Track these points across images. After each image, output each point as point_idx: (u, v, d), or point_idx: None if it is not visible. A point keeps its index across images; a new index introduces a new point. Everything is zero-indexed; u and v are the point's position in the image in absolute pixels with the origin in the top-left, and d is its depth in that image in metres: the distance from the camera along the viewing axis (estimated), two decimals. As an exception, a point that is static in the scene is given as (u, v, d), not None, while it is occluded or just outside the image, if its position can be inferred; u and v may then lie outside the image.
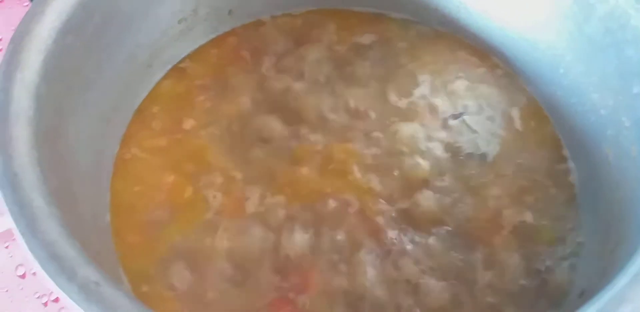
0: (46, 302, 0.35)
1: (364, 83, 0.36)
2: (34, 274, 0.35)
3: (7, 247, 0.36)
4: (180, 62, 0.36)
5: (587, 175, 0.33)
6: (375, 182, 0.33)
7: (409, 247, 0.31)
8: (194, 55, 0.36)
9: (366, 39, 0.37)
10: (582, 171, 0.33)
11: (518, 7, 0.34)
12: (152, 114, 0.34)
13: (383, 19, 0.37)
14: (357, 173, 0.33)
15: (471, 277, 0.31)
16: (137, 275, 0.30)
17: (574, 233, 0.32)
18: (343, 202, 0.32)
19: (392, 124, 0.34)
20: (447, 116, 0.35)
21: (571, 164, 0.34)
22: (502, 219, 0.32)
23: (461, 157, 0.34)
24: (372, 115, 0.35)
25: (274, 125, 0.34)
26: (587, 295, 0.28)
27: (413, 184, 0.33)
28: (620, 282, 0.23)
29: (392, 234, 0.31)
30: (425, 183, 0.33)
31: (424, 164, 0.33)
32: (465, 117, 0.35)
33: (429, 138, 0.34)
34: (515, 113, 0.35)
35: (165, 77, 0.35)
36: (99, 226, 0.30)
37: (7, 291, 0.35)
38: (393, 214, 0.32)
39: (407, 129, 0.34)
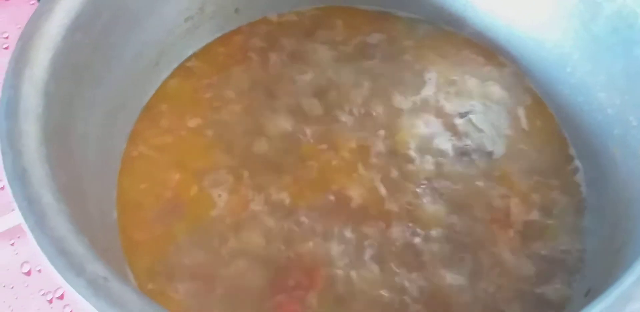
0: (51, 299, 0.35)
1: (370, 82, 0.36)
2: (39, 271, 0.35)
3: (12, 244, 0.36)
4: (186, 60, 0.36)
5: (593, 174, 0.33)
6: (380, 180, 0.33)
7: (414, 245, 0.31)
8: (201, 54, 0.36)
9: (372, 37, 0.37)
10: (588, 170, 0.33)
11: (524, 6, 0.34)
12: (159, 111, 0.34)
13: (389, 18, 0.37)
14: (362, 171, 0.33)
15: (476, 276, 0.31)
16: (143, 272, 0.30)
17: (580, 232, 0.32)
18: (349, 200, 0.32)
19: (398, 122, 0.34)
20: (453, 115, 0.35)
21: (578, 164, 0.34)
22: (508, 218, 0.32)
23: (467, 156, 0.34)
24: (378, 114, 0.35)
25: (280, 124, 0.34)
26: (593, 294, 0.28)
27: (419, 183, 0.33)
28: (628, 280, 0.23)
29: (397, 232, 0.31)
30: (430, 182, 0.33)
31: (429, 162, 0.33)
32: (471, 116, 0.35)
33: (435, 137, 0.34)
34: (521, 112, 0.35)
35: (172, 76, 0.35)
36: (106, 223, 0.30)
37: (12, 287, 0.35)
38: (398, 213, 0.32)
39: (413, 128, 0.34)
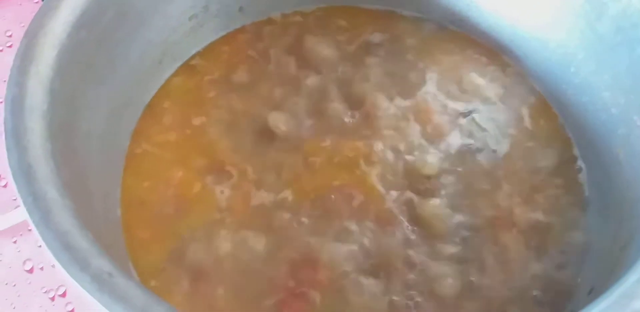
0: (53, 296, 0.35)
1: (373, 81, 0.36)
2: (42, 268, 0.36)
3: (14, 242, 0.36)
4: (190, 58, 0.36)
5: (597, 174, 0.33)
6: (383, 178, 0.33)
7: (417, 242, 0.31)
8: (205, 52, 0.36)
9: (376, 36, 0.37)
10: (592, 169, 0.33)
11: (529, 6, 0.34)
12: (163, 109, 0.34)
13: (393, 17, 0.38)
14: (365, 169, 0.33)
15: (479, 274, 0.31)
16: (146, 270, 0.30)
17: (583, 231, 0.32)
18: (351, 197, 0.32)
19: (401, 121, 0.34)
20: (456, 114, 0.35)
21: (581, 163, 0.34)
22: (512, 217, 0.32)
23: (470, 155, 0.34)
24: (381, 112, 0.35)
25: (283, 122, 0.34)
26: (596, 292, 0.28)
27: (422, 182, 0.33)
28: (631, 278, 0.23)
29: (400, 230, 0.31)
30: (434, 180, 0.33)
31: (433, 161, 0.33)
32: (474, 115, 0.35)
33: (438, 136, 0.34)
34: (525, 112, 0.35)
35: (175, 74, 0.35)
36: (109, 220, 0.30)
37: (14, 285, 0.35)
38: (401, 211, 0.32)
39: (416, 127, 0.34)
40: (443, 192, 0.33)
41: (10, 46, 0.42)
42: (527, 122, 0.35)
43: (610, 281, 0.24)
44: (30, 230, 0.36)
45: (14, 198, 0.37)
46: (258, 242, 0.31)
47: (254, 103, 0.35)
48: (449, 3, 0.36)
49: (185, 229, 0.31)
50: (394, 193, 0.32)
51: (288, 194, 0.32)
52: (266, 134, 0.34)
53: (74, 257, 0.22)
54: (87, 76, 0.28)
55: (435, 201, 0.32)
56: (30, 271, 0.35)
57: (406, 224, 0.32)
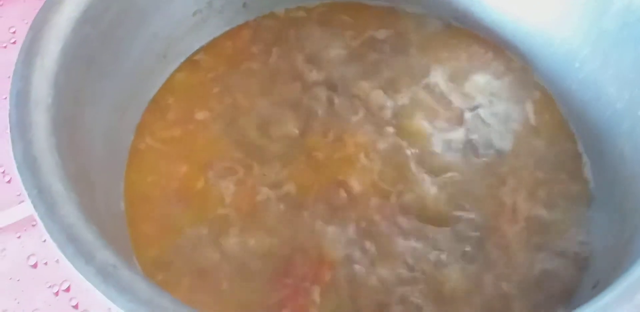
0: (57, 291, 0.35)
1: (377, 77, 0.36)
2: (46, 264, 0.36)
3: (18, 237, 0.36)
4: (194, 54, 0.36)
5: (601, 169, 0.33)
6: (386, 173, 0.33)
7: (420, 238, 0.31)
8: (208, 48, 0.36)
9: (380, 33, 0.37)
10: (596, 164, 0.33)
11: (533, 1, 0.34)
12: (167, 104, 0.34)
13: (396, 13, 0.37)
14: (368, 164, 0.33)
15: (483, 269, 0.31)
16: (149, 264, 0.30)
17: (588, 226, 0.32)
18: (355, 192, 0.32)
19: (406, 117, 0.34)
20: (461, 110, 0.35)
21: (585, 158, 0.34)
22: (516, 213, 0.32)
23: (475, 151, 0.34)
24: (386, 108, 0.35)
25: (287, 117, 0.34)
26: (600, 287, 0.28)
27: (425, 176, 0.33)
28: (636, 272, 0.23)
29: (404, 225, 0.31)
30: (437, 175, 0.33)
31: (436, 156, 0.33)
32: (479, 111, 0.35)
33: (443, 131, 0.34)
34: (529, 107, 0.35)
35: (179, 69, 0.35)
36: (113, 214, 0.30)
37: (18, 280, 0.35)
38: (404, 206, 0.32)
39: (421, 123, 0.34)
40: (447, 187, 0.32)
41: (14, 43, 0.42)
42: (532, 117, 0.35)
43: (615, 275, 0.24)
44: (34, 225, 0.36)
45: (18, 194, 0.37)
46: (262, 237, 0.31)
47: (257, 99, 0.35)
48: (452, -1, 0.37)
49: (189, 224, 0.31)
50: (397, 188, 0.32)
51: (292, 190, 0.32)
52: (269, 130, 0.34)
53: (79, 249, 0.22)
54: (91, 70, 0.28)
55: (438, 196, 0.32)
56: (35, 266, 0.35)
57: (410, 219, 0.32)
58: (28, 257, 0.36)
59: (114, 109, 0.31)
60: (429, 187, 0.33)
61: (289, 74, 0.36)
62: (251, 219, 0.32)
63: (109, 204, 0.30)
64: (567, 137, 0.34)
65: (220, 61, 0.36)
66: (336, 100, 0.35)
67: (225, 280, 0.30)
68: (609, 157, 0.32)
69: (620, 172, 0.31)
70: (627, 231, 0.29)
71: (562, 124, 0.35)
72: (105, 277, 0.21)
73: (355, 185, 0.32)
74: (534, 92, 0.36)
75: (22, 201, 0.37)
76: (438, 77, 0.36)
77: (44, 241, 0.36)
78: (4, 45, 0.42)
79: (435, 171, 0.33)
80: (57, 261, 0.35)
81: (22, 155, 0.23)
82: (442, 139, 0.34)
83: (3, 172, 0.38)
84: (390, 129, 0.34)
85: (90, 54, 0.28)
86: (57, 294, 0.35)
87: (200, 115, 0.34)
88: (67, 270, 0.34)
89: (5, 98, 0.38)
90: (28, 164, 0.23)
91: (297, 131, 0.34)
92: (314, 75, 0.36)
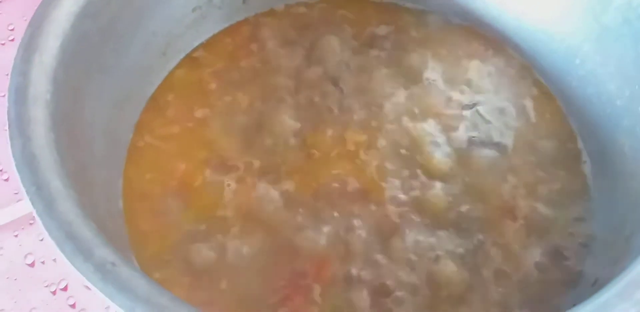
0: (55, 290, 0.35)
1: (377, 73, 0.35)
2: (43, 262, 0.35)
3: (16, 236, 0.36)
4: (193, 50, 0.36)
5: (601, 165, 0.33)
6: (386, 170, 0.33)
7: (420, 235, 0.31)
8: (208, 44, 0.36)
9: (381, 29, 0.37)
10: (596, 161, 0.33)
11: (534, -2, 0.34)
12: (166, 102, 0.34)
13: (397, 9, 0.37)
14: (367, 161, 0.33)
15: (482, 266, 0.31)
16: (148, 262, 0.30)
17: (588, 223, 0.32)
18: (354, 189, 0.32)
19: (406, 114, 0.34)
20: (460, 106, 0.35)
21: (585, 155, 0.34)
22: (516, 209, 0.32)
23: (474, 147, 0.34)
24: (386, 105, 0.35)
25: (287, 114, 0.34)
26: (600, 283, 0.27)
27: (425, 173, 0.33)
28: (636, 269, 0.23)
29: (404, 222, 0.31)
30: (437, 172, 0.33)
31: (436, 153, 0.33)
32: (479, 107, 0.35)
33: (442, 128, 0.34)
34: (529, 104, 0.35)
35: (178, 66, 0.35)
36: (112, 212, 0.30)
37: (15, 279, 0.35)
38: (405, 202, 0.32)
39: (420, 119, 0.34)
40: (446, 183, 0.32)
41: (12, 40, 0.42)
42: (532, 114, 0.35)
43: (615, 271, 0.24)
44: (31, 224, 0.36)
45: (16, 192, 0.37)
46: (261, 235, 0.31)
47: (257, 95, 0.35)
48: (453, -5, 0.36)
49: (187, 221, 0.31)
50: (397, 184, 0.32)
51: (291, 187, 0.32)
52: (269, 126, 0.34)
53: (78, 247, 0.21)
54: (90, 67, 0.28)
55: (438, 193, 0.32)
56: (32, 264, 0.35)
57: (410, 217, 0.31)
58: (25, 256, 0.35)
59: (113, 105, 0.31)
60: (429, 185, 0.32)
61: (289, 70, 0.36)
62: (250, 217, 0.31)
63: (108, 202, 0.29)
64: (567, 134, 0.34)
65: (220, 58, 0.36)
66: (336, 97, 0.35)
67: (224, 279, 0.30)
68: (609, 154, 0.32)
69: (620, 169, 0.31)
70: (627, 227, 0.29)
71: (562, 121, 0.35)
72: (103, 274, 0.21)
73: (355, 183, 0.32)
74: (534, 89, 0.36)
75: (20, 200, 0.37)
76: (438, 73, 0.36)
77: (42, 239, 0.36)
78: (2, 42, 0.42)
79: (434, 168, 0.33)
80: (54, 260, 0.35)
81: (21, 151, 0.23)
82: (442, 135, 0.34)
83: (1, 170, 0.38)
84: (390, 126, 0.34)
85: (90, 50, 0.28)
86: (54, 293, 0.34)
87: (199, 112, 0.34)
88: (65, 268, 0.34)
89: (3, 95, 0.38)
90: (27, 161, 0.23)
91: (296, 128, 0.34)
92: (313, 72, 0.35)
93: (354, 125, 0.34)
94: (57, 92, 0.25)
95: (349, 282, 0.30)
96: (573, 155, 0.34)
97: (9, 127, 0.23)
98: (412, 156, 0.33)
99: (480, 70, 0.36)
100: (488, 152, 0.33)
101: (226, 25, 0.37)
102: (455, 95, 0.35)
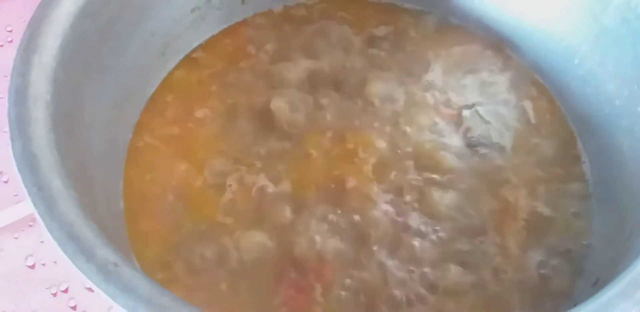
0: (55, 292, 0.35)
1: (376, 74, 0.36)
2: (44, 264, 0.35)
3: (16, 238, 0.36)
4: (192, 51, 0.36)
5: (600, 165, 0.33)
6: (384, 170, 0.33)
7: (420, 236, 0.31)
8: (207, 45, 0.36)
9: (379, 30, 0.37)
10: (595, 161, 0.33)
11: (533, -2, 0.35)
12: (165, 102, 0.34)
13: (396, 10, 0.38)
14: (366, 160, 0.33)
15: (482, 267, 0.31)
16: (148, 263, 0.30)
17: (588, 222, 0.32)
18: (355, 191, 0.32)
19: (405, 114, 0.34)
20: (460, 107, 0.35)
21: (584, 155, 0.34)
22: (515, 209, 0.32)
23: (474, 148, 0.34)
24: (385, 105, 0.35)
25: (285, 114, 0.34)
26: (601, 283, 0.28)
27: (425, 174, 0.33)
28: (637, 268, 0.23)
29: (405, 223, 0.31)
30: (436, 173, 0.33)
31: (436, 154, 0.33)
32: (478, 108, 0.35)
33: (442, 128, 0.34)
34: (528, 104, 0.35)
35: (178, 67, 0.35)
36: (112, 212, 0.30)
37: (16, 281, 0.35)
38: (405, 203, 0.32)
39: (420, 120, 0.34)
40: (446, 184, 0.32)
41: (10, 41, 0.42)
42: (531, 114, 0.35)
43: (616, 271, 0.24)
44: (31, 226, 0.36)
45: (16, 194, 0.37)
46: (262, 236, 0.31)
47: (256, 96, 0.35)
48: (452, -5, 0.37)
49: (188, 222, 0.31)
50: (397, 185, 0.32)
51: (291, 188, 0.32)
52: (268, 127, 0.34)
53: (80, 247, 0.21)
54: (90, 67, 0.28)
55: (438, 193, 0.32)
56: (32, 267, 0.35)
57: (410, 217, 0.32)
58: (26, 258, 0.35)
59: (112, 106, 0.31)
60: (429, 185, 0.32)
61: (288, 71, 0.35)
62: (250, 218, 0.31)
63: (108, 202, 0.29)
64: (566, 134, 0.34)
65: (219, 59, 0.36)
66: (336, 98, 0.35)
67: (225, 280, 0.30)
68: (608, 154, 0.32)
69: (620, 168, 0.31)
70: (626, 227, 0.29)
71: (561, 121, 0.35)
72: (106, 275, 0.21)
73: (356, 183, 0.32)
74: (533, 89, 0.36)
75: (20, 201, 0.36)
76: (437, 74, 0.36)
77: (42, 241, 0.36)
78: (1, 44, 0.42)
79: (434, 169, 0.33)
80: (55, 262, 0.35)
81: (22, 152, 0.23)
82: (442, 136, 0.34)
83: (0, 172, 0.38)
84: (390, 127, 0.34)
85: (89, 50, 0.28)
86: (55, 295, 0.34)
87: (199, 113, 0.34)
88: (65, 270, 0.34)
89: (2, 97, 0.38)
90: (28, 161, 0.23)
91: (295, 128, 0.34)
92: (313, 73, 0.36)
93: (354, 126, 0.34)
94: (57, 93, 0.25)
95: (350, 282, 0.30)
96: (572, 155, 0.34)
97: (9, 128, 0.23)
98: (411, 157, 0.33)
99: (478, 71, 0.36)
100: (487, 153, 0.34)
101: (225, 26, 0.37)
102: (454, 96, 0.35)
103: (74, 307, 0.34)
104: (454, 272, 0.30)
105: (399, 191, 0.32)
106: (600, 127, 0.32)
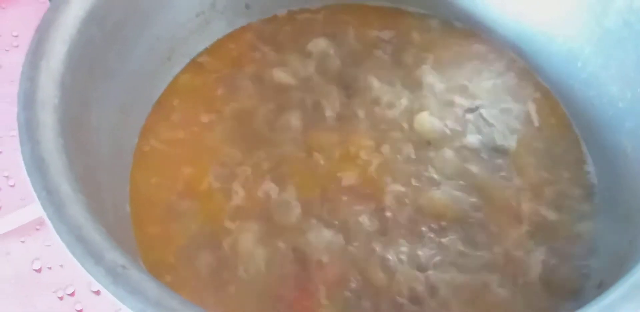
0: (62, 296, 0.35)
1: (380, 77, 0.36)
2: (50, 268, 0.35)
3: (23, 242, 0.36)
4: (198, 56, 0.36)
5: (604, 167, 0.33)
6: (390, 174, 0.33)
7: (425, 238, 0.31)
8: (212, 49, 0.36)
9: (383, 33, 0.37)
10: (599, 163, 0.33)
11: (535, 1, 0.35)
12: (171, 106, 0.34)
13: (399, 14, 0.38)
14: (372, 165, 0.33)
15: (486, 270, 0.31)
16: (155, 266, 0.30)
17: (592, 225, 0.32)
18: (360, 195, 0.32)
19: (408, 117, 0.34)
20: (463, 110, 0.35)
21: (588, 157, 0.34)
22: (520, 211, 0.32)
23: (477, 150, 0.34)
24: (389, 109, 0.35)
25: (290, 119, 0.34)
26: (605, 286, 0.28)
27: (428, 176, 0.33)
28: (641, 271, 0.23)
29: (409, 226, 0.31)
30: (441, 175, 0.33)
31: (440, 156, 0.33)
32: (481, 110, 0.35)
33: (445, 131, 0.34)
34: (531, 107, 0.35)
35: (183, 71, 0.36)
36: (119, 216, 0.30)
37: (22, 285, 0.35)
38: (409, 206, 0.32)
39: (424, 123, 0.34)
40: (450, 186, 0.33)
41: (17, 46, 0.42)
42: (534, 117, 0.35)
43: (620, 274, 0.24)
44: (38, 230, 0.36)
45: (22, 198, 0.37)
46: (268, 239, 0.31)
47: (261, 100, 0.35)
48: (454, -1, 0.37)
49: (193, 225, 0.31)
50: (401, 188, 0.32)
51: (297, 191, 0.32)
52: (274, 131, 0.34)
53: (88, 250, 0.22)
54: (96, 71, 0.28)
55: (442, 196, 0.32)
56: (39, 270, 0.35)
57: (415, 220, 0.32)
58: (32, 262, 0.36)
59: (119, 110, 0.31)
60: (433, 188, 0.33)
61: (293, 75, 0.36)
62: (256, 221, 0.32)
63: (115, 206, 0.30)
64: (570, 137, 0.34)
65: (224, 63, 0.36)
66: (340, 101, 0.35)
67: (232, 283, 0.30)
68: (612, 156, 0.32)
69: (624, 171, 0.31)
70: (631, 229, 0.29)
71: (565, 124, 0.35)
72: (114, 277, 0.21)
73: (359, 187, 0.32)
74: (537, 92, 0.36)
75: (26, 205, 0.37)
76: (441, 76, 0.36)
77: (48, 245, 0.36)
78: (7, 49, 0.42)
79: (438, 171, 0.33)
80: (61, 266, 0.35)
81: (31, 156, 0.23)
82: (446, 138, 0.34)
83: (7, 176, 0.38)
84: (394, 129, 0.34)
85: (96, 55, 0.28)
86: (61, 298, 0.35)
87: (204, 117, 0.34)
88: (72, 274, 0.34)
89: (8, 102, 0.38)
90: (37, 165, 0.23)
91: (301, 133, 0.34)
92: (317, 76, 0.36)
93: (358, 129, 0.34)
94: (64, 97, 0.25)
95: (355, 285, 0.30)
96: (576, 157, 0.34)
97: (18, 132, 0.24)
98: (415, 159, 0.33)
99: (482, 74, 0.36)
100: (491, 155, 0.34)
101: (230, 30, 0.37)
102: (458, 99, 0.35)
103: (80, 311, 0.34)
104: (457, 275, 0.30)
105: (403, 194, 0.32)
106: (604, 129, 0.32)
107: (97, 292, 0.34)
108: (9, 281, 0.35)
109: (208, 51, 0.36)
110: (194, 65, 0.36)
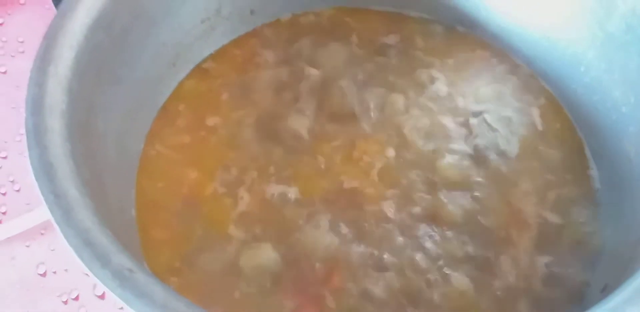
0: (66, 300, 0.35)
1: (384, 82, 0.36)
2: (55, 272, 0.36)
3: (28, 246, 0.36)
4: (203, 61, 0.36)
5: (608, 172, 0.33)
6: (395, 178, 0.33)
7: (429, 243, 0.31)
8: (217, 55, 0.37)
9: (387, 38, 0.37)
10: (603, 167, 0.33)
11: (538, 6, 0.35)
12: (177, 111, 0.35)
13: (403, 18, 0.38)
14: (377, 169, 0.33)
15: (492, 273, 0.31)
16: (160, 270, 0.30)
17: (596, 228, 0.32)
18: (364, 200, 0.32)
19: (413, 122, 0.35)
20: (467, 114, 0.35)
21: (592, 162, 0.34)
22: (524, 215, 0.32)
23: (481, 155, 0.34)
24: (393, 113, 0.35)
25: (295, 123, 0.34)
26: (609, 289, 0.28)
27: (433, 181, 0.33)
28: (646, 273, 0.23)
29: (413, 230, 0.32)
30: (444, 180, 0.33)
31: (443, 161, 0.33)
32: (485, 115, 0.35)
33: (449, 136, 0.34)
34: (535, 112, 0.35)
35: (188, 77, 0.36)
36: (125, 220, 0.30)
37: (28, 289, 0.35)
38: (413, 211, 0.32)
39: (427, 127, 0.34)
40: (454, 191, 0.33)
41: (22, 52, 0.42)
42: (538, 121, 0.35)
43: (624, 277, 0.24)
44: (43, 234, 0.36)
45: (28, 202, 0.37)
46: (272, 243, 0.31)
47: (266, 104, 0.35)
48: (458, 5, 0.37)
49: (199, 229, 0.32)
50: (405, 193, 0.33)
51: (301, 195, 0.32)
52: (278, 135, 0.34)
53: (95, 253, 0.22)
54: (103, 77, 0.29)
55: (446, 201, 0.32)
56: (44, 274, 0.36)
57: (419, 224, 0.32)
58: (37, 266, 0.36)
59: (125, 115, 0.31)
60: (437, 193, 0.33)
61: (298, 80, 0.36)
62: (261, 225, 0.32)
63: (121, 210, 0.30)
64: (573, 141, 0.35)
65: (229, 68, 0.36)
66: (345, 106, 0.35)
67: (236, 288, 0.30)
68: (615, 161, 0.32)
69: (628, 175, 0.31)
70: (634, 232, 0.29)
71: (569, 128, 0.35)
72: (121, 281, 0.21)
73: (365, 192, 0.33)
74: (540, 97, 0.36)
75: (32, 210, 0.37)
76: (444, 82, 0.36)
77: (53, 249, 0.36)
78: (12, 54, 0.42)
79: (442, 176, 0.33)
80: (66, 270, 0.35)
81: (38, 160, 0.23)
82: (449, 143, 0.34)
83: (12, 181, 0.38)
84: (397, 134, 0.34)
85: (103, 61, 0.29)
86: (66, 302, 0.35)
87: (209, 122, 0.35)
88: (76, 278, 0.34)
89: (13, 107, 0.39)
90: (44, 170, 0.23)
91: (306, 137, 0.34)
92: (321, 80, 0.36)
93: (362, 133, 0.34)
94: (72, 102, 0.26)
95: (360, 289, 0.30)
96: (580, 162, 0.34)
97: (26, 137, 0.24)
98: (419, 164, 0.33)
99: (486, 79, 0.36)
100: (495, 160, 0.34)
101: (235, 36, 0.37)
102: (462, 104, 0.35)
103: (84, 315, 0.34)
104: (462, 278, 0.30)
105: (407, 198, 0.32)
106: (608, 133, 0.33)
107: (101, 297, 0.35)
108: (14, 285, 0.35)
109: (213, 57, 0.37)
110: (199, 71, 0.36)
